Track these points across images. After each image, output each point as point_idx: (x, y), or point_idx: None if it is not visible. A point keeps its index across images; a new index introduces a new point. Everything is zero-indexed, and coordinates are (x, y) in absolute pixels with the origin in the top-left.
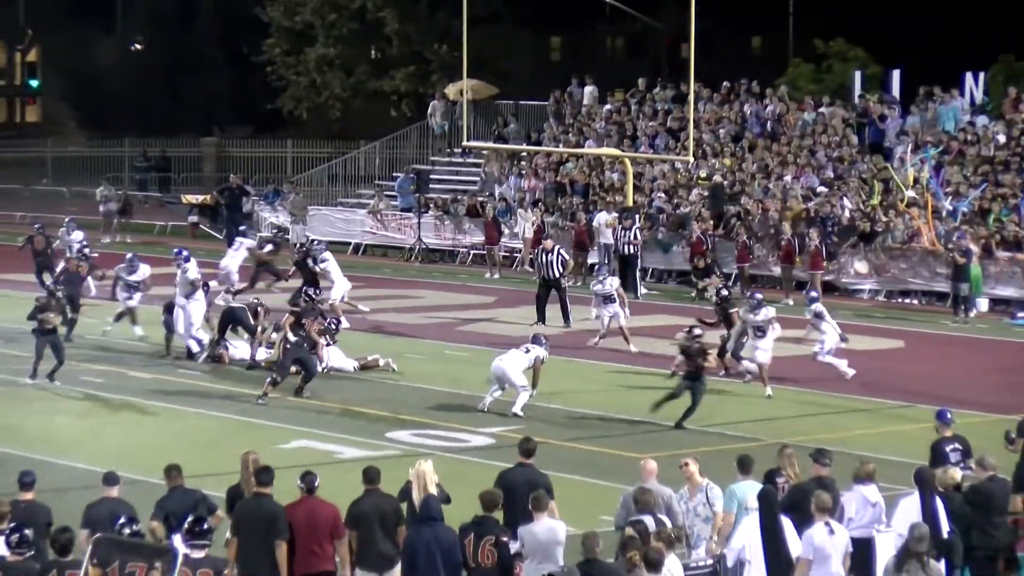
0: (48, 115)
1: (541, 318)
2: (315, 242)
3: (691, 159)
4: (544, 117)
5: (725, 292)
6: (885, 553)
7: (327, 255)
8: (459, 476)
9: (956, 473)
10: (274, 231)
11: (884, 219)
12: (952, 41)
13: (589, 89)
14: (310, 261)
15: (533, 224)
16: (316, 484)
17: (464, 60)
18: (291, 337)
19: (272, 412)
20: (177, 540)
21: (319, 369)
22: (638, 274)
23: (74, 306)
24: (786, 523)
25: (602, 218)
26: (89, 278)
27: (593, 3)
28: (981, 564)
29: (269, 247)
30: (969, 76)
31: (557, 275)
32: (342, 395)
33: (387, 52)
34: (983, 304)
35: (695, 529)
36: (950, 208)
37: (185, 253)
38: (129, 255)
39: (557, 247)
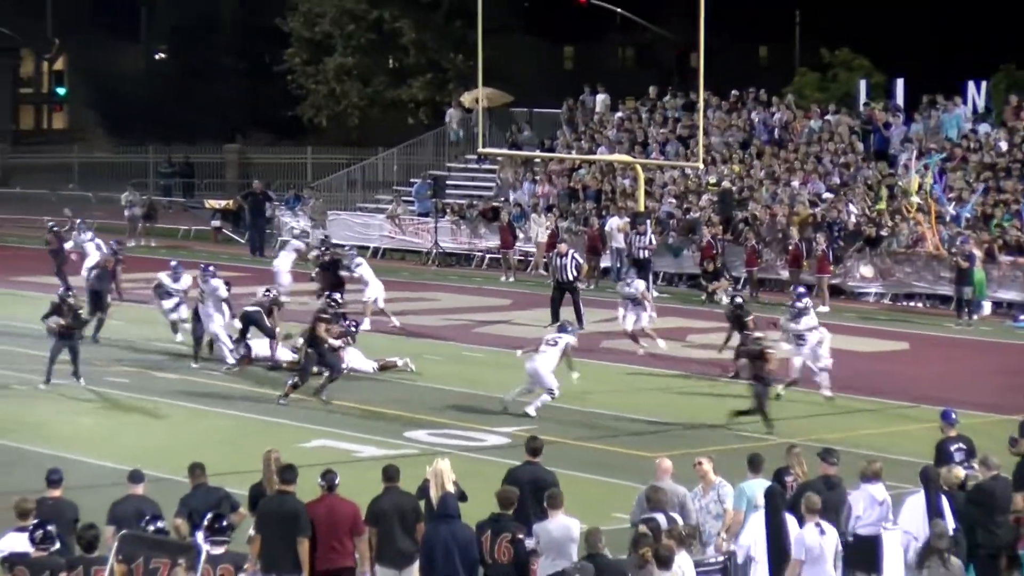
0: (75, 122)
1: (555, 320)
2: (347, 247)
3: (701, 165)
4: (557, 124)
5: (740, 299)
6: (892, 550)
7: (360, 259)
8: (475, 474)
9: (960, 472)
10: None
11: (890, 224)
12: (955, 51)
13: (601, 97)
14: (343, 265)
15: (547, 229)
16: (336, 482)
17: (479, 69)
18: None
19: (293, 412)
20: (200, 537)
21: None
22: (650, 277)
23: (102, 305)
24: (791, 521)
25: (614, 223)
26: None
27: (604, 14)
28: (984, 562)
29: (315, 252)
30: (971, 84)
31: (571, 278)
32: (361, 395)
33: (404, 61)
34: (986, 307)
35: (707, 526)
36: (953, 213)
37: (212, 269)
38: (174, 262)
39: (571, 251)
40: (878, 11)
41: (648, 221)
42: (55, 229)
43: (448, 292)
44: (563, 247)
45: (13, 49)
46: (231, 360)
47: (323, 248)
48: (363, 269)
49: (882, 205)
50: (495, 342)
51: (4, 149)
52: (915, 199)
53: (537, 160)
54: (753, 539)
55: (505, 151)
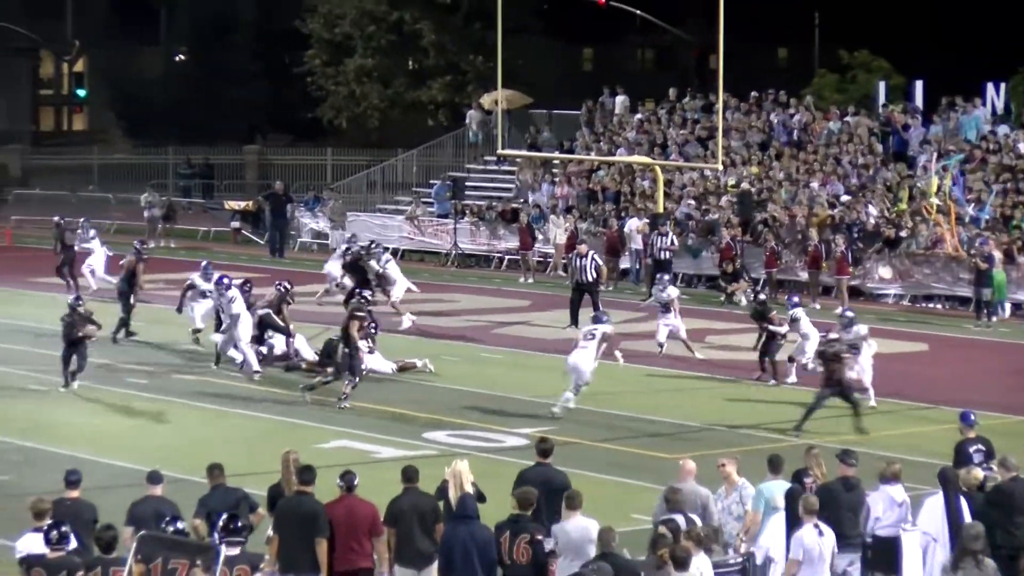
0: (94, 123)
1: (574, 321)
2: (373, 244)
3: (720, 167)
4: (576, 126)
5: (763, 296)
6: (911, 552)
7: (388, 256)
8: (494, 475)
9: (979, 473)
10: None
11: (909, 225)
12: (974, 52)
13: (620, 99)
14: (372, 262)
15: (566, 230)
16: (355, 483)
17: (498, 71)
18: (360, 344)
19: (312, 412)
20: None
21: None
22: (671, 278)
23: (125, 305)
24: None
25: (633, 224)
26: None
27: (623, 16)
28: (1003, 562)
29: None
30: (990, 86)
31: (591, 279)
32: (380, 396)
33: (424, 63)
34: (1006, 309)
35: (728, 528)
36: (973, 215)
37: (226, 280)
38: (204, 262)
39: (591, 252)
40: (897, 13)
41: (668, 222)
42: (61, 224)
43: (467, 293)
44: (583, 248)
45: (33, 51)
46: (256, 366)
47: (348, 248)
48: (391, 266)
49: (902, 206)
50: (514, 343)
51: (24, 150)
52: (934, 200)
53: (556, 161)
54: (772, 540)
55: (524, 152)
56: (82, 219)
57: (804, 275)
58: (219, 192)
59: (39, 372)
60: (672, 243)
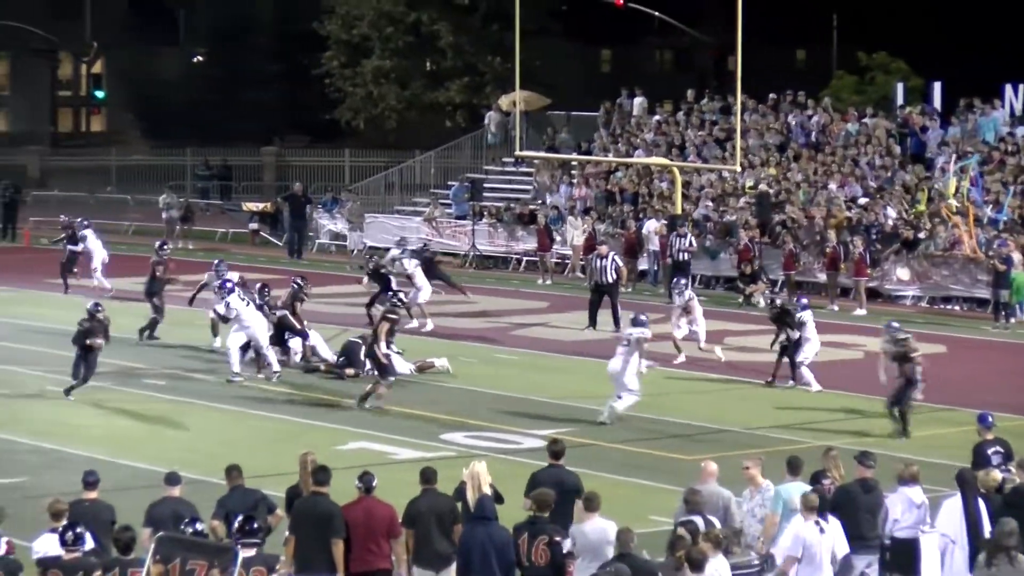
0: (113, 125)
1: (592, 323)
2: (402, 251)
3: (738, 168)
4: (594, 127)
5: (779, 301)
6: (930, 554)
7: (415, 260)
8: (512, 476)
9: (997, 475)
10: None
11: (927, 227)
12: (992, 54)
13: (638, 100)
14: (397, 265)
15: (584, 232)
16: (374, 484)
17: (516, 72)
18: (383, 347)
19: (330, 414)
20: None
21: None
22: (689, 280)
23: (155, 306)
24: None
25: (651, 226)
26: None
27: (642, 17)
28: None
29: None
30: (1009, 88)
31: (610, 280)
32: (398, 397)
33: (441, 64)
34: None
35: (751, 530)
36: (991, 216)
37: (229, 285)
38: (216, 261)
39: (612, 253)
40: (915, 14)
41: (686, 223)
42: (70, 226)
43: (485, 295)
44: (603, 249)
45: (52, 52)
46: (277, 367)
47: (370, 255)
48: (417, 271)
49: (920, 208)
50: (532, 345)
51: (43, 151)
52: (952, 202)
53: (574, 163)
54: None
55: (542, 154)
56: (79, 219)
57: (822, 277)
58: (237, 194)
59: (56, 373)
60: (690, 244)
